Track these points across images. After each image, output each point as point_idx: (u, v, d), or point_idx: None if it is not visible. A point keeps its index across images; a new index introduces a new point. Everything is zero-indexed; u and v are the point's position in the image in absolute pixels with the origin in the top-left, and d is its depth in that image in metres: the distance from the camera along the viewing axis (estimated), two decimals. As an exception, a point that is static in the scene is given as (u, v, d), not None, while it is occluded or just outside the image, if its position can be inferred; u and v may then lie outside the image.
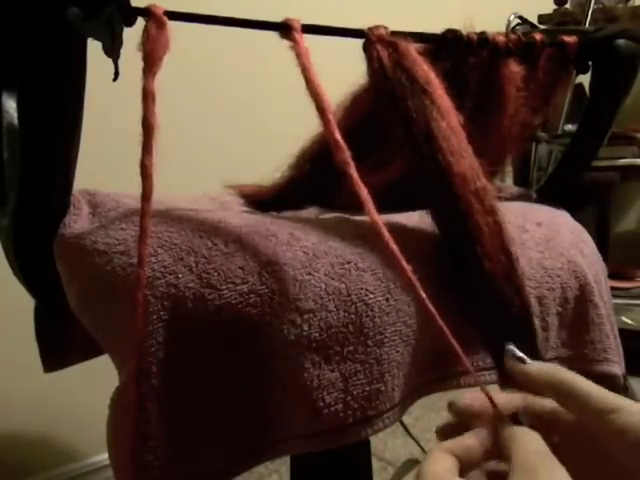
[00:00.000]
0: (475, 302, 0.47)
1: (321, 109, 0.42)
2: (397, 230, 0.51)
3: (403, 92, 0.47)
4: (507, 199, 0.64)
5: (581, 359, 0.57)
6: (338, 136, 0.41)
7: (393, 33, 0.49)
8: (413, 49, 0.49)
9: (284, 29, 0.46)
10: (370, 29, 0.49)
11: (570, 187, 0.68)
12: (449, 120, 0.48)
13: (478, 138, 0.49)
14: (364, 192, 0.40)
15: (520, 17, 1.24)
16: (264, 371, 0.43)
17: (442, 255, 0.48)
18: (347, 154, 0.41)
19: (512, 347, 0.38)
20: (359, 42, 0.50)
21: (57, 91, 0.42)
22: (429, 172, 0.47)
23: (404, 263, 0.40)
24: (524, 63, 0.55)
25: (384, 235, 0.40)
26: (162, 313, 0.41)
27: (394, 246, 0.40)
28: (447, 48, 0.52)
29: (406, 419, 0.50)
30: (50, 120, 0.43)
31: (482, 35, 0.53)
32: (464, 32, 0.53)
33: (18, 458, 1.09)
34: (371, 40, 0.48)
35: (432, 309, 0.39)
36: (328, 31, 0.49)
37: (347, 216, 0.54)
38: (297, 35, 0.45)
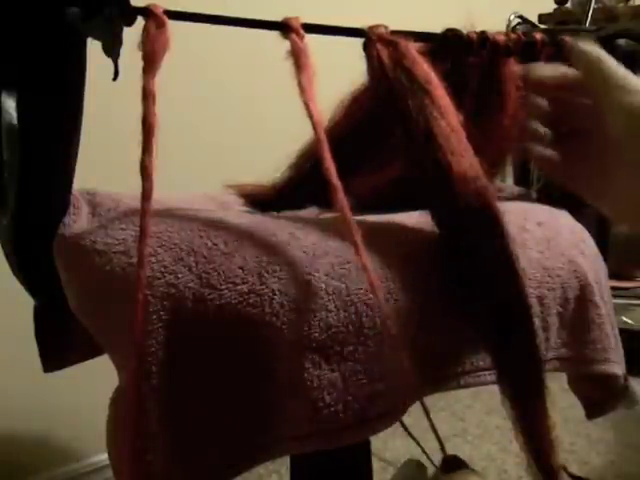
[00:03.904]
0: (475, 302, 0.47)
1: (311, 116, 0.43)
2: (397, 229, 0.51)
3: (403, 91, 0.47)
4: (507, 199, 0.64)
5: (582, 359, 0.57)
6: (327, 152, 0.43)
7: (393, 32, 0.49)
8: (413, 48, 0.48)
9: (283, 28, 0.46)
10: (370, 28, 0.49)
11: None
12: (449, 119, 0.47)
13: (478, 138, 0.49)
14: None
15: (520, 16, 1.24)
16: (264, 371, 0.43)
17: (442, 255, 0.48)
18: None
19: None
20: (359, 41, 0.50)
21: (57, 91, 0.42)
22: (429, 171, 0.47)
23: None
24: (524, 62, 0.55)
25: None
26: (162, 313, 0.41)
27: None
28: (447, 47, 0.52)
29: (406, 419, 0.50)
30: (50, 120, 0.43)
31: (482, 34, 0.53)
32: (464, 31, 0.53)
33: (18, 458, 1.09)
34: (371, 39, 0.48)
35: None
36: (328, 30, 0.49)
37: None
38: (295, 36, 0.45)
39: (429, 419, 0.42)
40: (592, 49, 0.43)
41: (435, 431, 0.43)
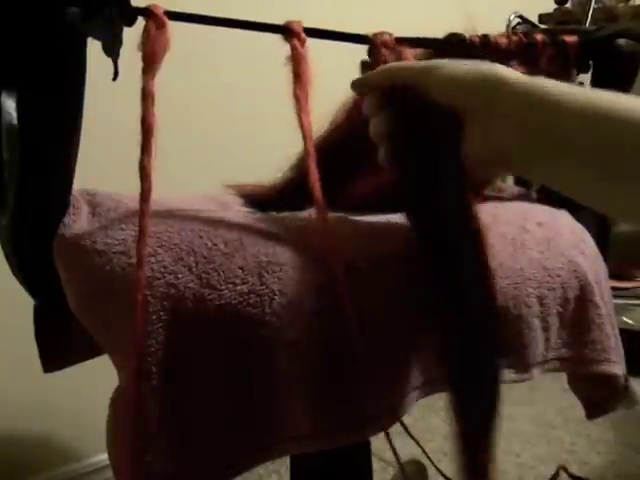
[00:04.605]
0: (444, 304, 0.45)
1: (302, 127, 0.45)
2: (397, 229, 0.51)
3: None
4: (507, 199, 0.64)
5: (582, 359, 0.57)
6: (314, 165, 0.45)
7: (397, 39, 0.49)
8: (415, 55, 0.49)
9: (285, 32, 0.46)
10: (375, 35, 0.49)
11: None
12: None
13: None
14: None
15: (520, 16, 1.24)
16: (264, 371, 0.43)
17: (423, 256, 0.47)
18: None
19: None
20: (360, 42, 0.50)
21: (57, 91, 0.42)
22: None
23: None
24: (525, 63, 0.55)
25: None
26: (162, 313, 0.41)
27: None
28: (450, 52, 0.52)
29: (406, 419, 0.50)
30: (50, 120, 0.43)
31: (484, 39, 0.53)
32: (466, 34, 0.53)
33: (18, 458, 1.09)
34: (376, 45, 0.49)
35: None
36: (332, 36, 0.49)
37: (347, 216, 0.54)
38: (295, 41, 0.45)
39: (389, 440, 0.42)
40: (373, 74, 0.44)
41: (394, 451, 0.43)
